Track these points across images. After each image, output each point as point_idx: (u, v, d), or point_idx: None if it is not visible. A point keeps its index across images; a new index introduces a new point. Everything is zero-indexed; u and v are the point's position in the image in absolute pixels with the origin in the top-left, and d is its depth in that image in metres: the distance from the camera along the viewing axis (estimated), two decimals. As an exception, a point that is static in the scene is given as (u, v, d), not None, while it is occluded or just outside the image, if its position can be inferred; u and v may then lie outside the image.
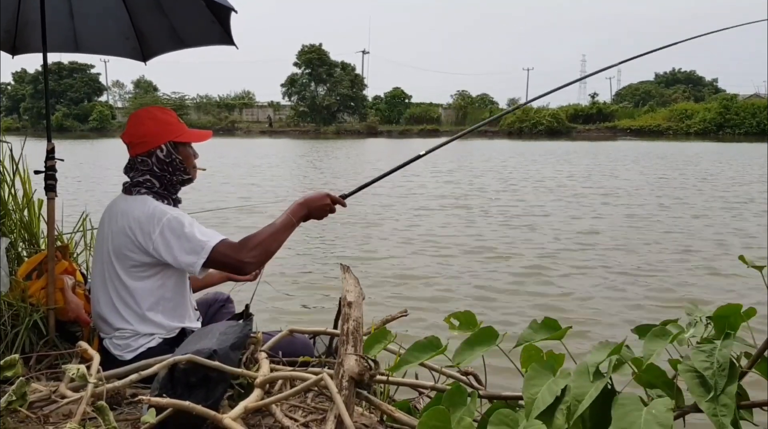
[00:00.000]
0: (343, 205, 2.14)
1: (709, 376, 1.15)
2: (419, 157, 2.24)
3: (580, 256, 6.91)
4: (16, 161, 2.75)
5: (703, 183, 14.60)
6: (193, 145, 2.17)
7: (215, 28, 2.50)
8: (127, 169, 2.13)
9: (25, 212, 2.73)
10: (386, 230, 8.53)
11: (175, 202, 2.13)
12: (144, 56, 2.80)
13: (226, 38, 2.53)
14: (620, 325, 4.52)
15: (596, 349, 1.32)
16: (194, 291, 2.29)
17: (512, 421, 1.28)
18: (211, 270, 2.49)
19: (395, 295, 5.45)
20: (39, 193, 2.71)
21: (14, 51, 2.75)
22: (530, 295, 5.40)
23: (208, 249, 1.93)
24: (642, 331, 1.35)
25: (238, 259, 1.96)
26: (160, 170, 2.07)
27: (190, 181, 2.17)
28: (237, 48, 2.59)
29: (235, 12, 2.31)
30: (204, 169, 2.23)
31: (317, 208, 2.09)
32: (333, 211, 2.11)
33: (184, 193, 2.20)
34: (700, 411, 1.17)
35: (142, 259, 2.00)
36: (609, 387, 1.27)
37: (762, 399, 1.22)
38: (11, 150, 2.77)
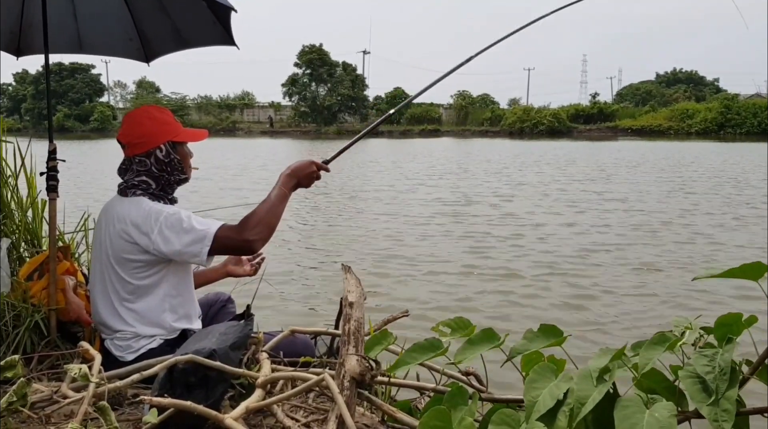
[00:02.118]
0: (327, 170, 2.17)
1: (711, 380, 1.15)
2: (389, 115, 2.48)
3: (587, 273, 6.35)
4: (22, 162, 2.75)
5: (712, 185, 14.37)
6: (188, 144, 2.17)
7: (216, 28, 2.51)
8: (122, 171, 2.12)
9: (29, 213, 2.73)
10: (379, 242, 8.21)
11: (172, 202, 2.13)
12: (147, 57, 2.81)
13: (227, 38, 2.54)
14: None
15: (598, 355, 1.32)
16: (195, 288, 2.29)
17: (514, 421, 1.28)
18: (210, 267, 2.50)
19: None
20: (41, 193, 2.71)
21: (18, 53, 2.75)
22: (528, 321, 4.85)
23: (210, 236, 1.93)
24: (640, 346, 1.35)
25: (243, 240, 1.96)
26: (158, 171, 2.07)
27: (186, 180, 2.17)
28: (238, 48, 2.60)
29: (235, 11, 2.31)
30: (197, 169, 2.23)
31: (305, 176, 2.11)
32: (319, 177, 2.15)
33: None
34: (701, 417, 1.17)
35: (144, 258, 2.00)
36: (611, 391, 1.27)
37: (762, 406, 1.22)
38: (17, 149, 2.76)
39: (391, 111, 2.49)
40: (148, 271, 2.02)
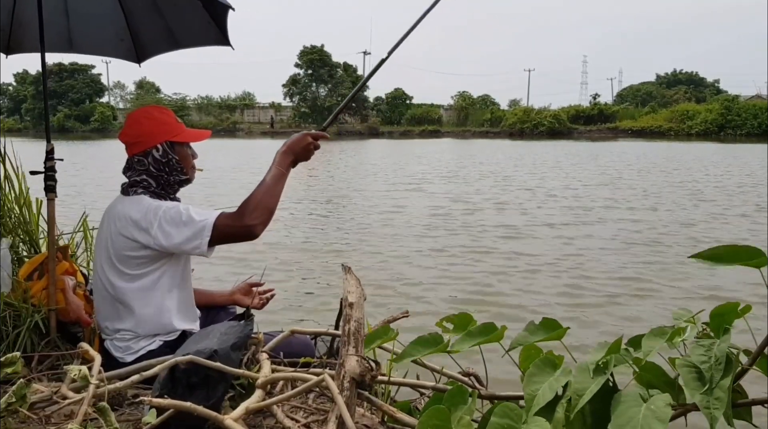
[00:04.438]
0: (326, 137, 2.10)
1: (706, 369, 1.15)
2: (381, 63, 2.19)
3: (590, 278, 6.02)
4: (11, 160, 2.74)
5: (715, 187, 14.24)
6: (192, 144, 2.16)
7: (211, 28, 2.49)
8: (125, 170, 2.12)
9: (24, 212, 2.73)
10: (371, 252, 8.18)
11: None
12: (138, 57, 2.79)
13: (222, 39, 2.52)
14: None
15: (597, 348, 1.32)
16: (200, 308, 2.28)
17: (516, 416, 1.28)
18: (217, 291, 2.48)
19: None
20: (36, 193, 2.71)
21: (8, 50, 2.74)
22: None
23: (209, 226, 1.91)
24: (636, 341, 1.35)
25: (242, 225, 1.93)
26: (156, 170, 2.07)
27: (188, 181, 2.16)
28: (233, 49, 2.58)
29: (233, 10, 2.30)
30: (201, 170, 2.22)
31: (301, 149, 2.05)
32: (317, 147, 2.08)
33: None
34: (699, 409, 1.17)
35: (145, 254, 2.00)
36: (610, 384, 1.28)
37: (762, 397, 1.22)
38: (5, 149, 2.75)
39: (385, 56, 2.19)
40: (148, 268, 2.02)
